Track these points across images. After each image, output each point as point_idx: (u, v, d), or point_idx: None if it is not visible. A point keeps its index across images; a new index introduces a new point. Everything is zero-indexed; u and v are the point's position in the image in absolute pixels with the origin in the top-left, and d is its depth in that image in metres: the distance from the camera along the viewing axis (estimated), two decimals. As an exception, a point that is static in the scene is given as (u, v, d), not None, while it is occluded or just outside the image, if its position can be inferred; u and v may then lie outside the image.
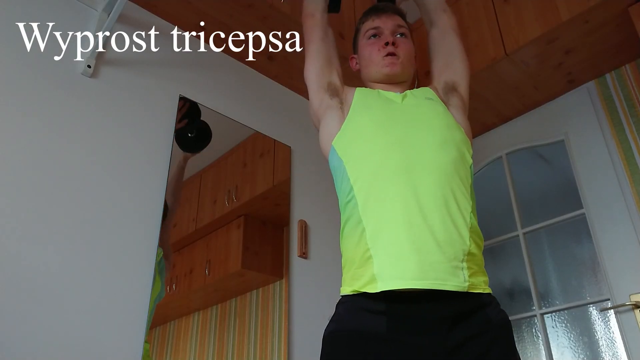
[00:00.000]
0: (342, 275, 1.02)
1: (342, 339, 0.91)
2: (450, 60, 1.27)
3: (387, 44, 1.20)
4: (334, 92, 1.19)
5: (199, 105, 1.89)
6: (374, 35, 1.25)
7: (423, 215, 0.94)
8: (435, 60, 1.30)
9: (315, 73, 1.21)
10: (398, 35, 1.24)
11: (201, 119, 1.87)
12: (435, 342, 0.87)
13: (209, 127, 1.88)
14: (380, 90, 1.20)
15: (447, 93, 1.22)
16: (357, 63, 1.33)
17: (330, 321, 0.96)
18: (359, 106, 1.13)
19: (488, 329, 0.90)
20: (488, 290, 0.96)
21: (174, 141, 1.76)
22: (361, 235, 0.97)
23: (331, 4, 1.44)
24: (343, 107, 1.16)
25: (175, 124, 1.77)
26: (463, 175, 1.03)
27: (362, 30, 1.29)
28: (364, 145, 1.05)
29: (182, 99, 1.84)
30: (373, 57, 1.22)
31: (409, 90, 1.21)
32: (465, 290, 0.90)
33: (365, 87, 1.28)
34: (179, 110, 1.81)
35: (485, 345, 0.88)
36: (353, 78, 1.76)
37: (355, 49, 1.35)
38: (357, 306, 0.93)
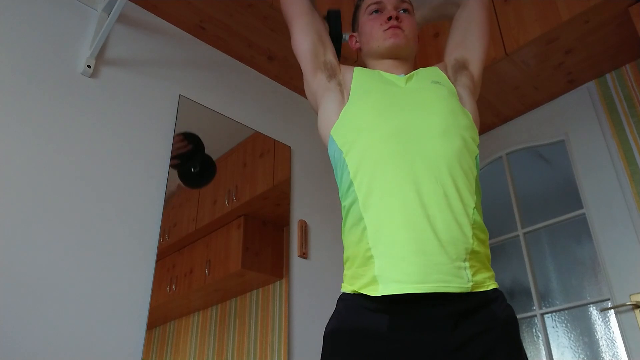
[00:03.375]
0: (343, 271, 1.00)
1: (343, 338, 0.89)
2: (465, 36, 1.19)
3: (390, 18, 1.14)
4: (331, 73, 1.12)
5: (199, 106, 1.89)
6: (376, 11, 1.19)
7: (425, 214, 0.91)
8: (451, 36, 1.22)
9: (309, 51, 1.13)
10: (401, 11, 1.18)
11: (206, 152, 1.82)
12: (439, 339, 0.85)
13: (213, 161, 1.82)
14: (381, 71, 1.14)
15: (456, 71, 1.15)
16: (356, 41, 1.26)
17: (331, 318, 0.94)
18: (358, 90, 1.08)
19: (494, 326, 0.88)
20: (494, 286, 0.93)
21: (177, 172, 1.75)
22: (362, 233, 0.94)
23: (332, 30, 1.30)
24: (342, 89, 1.10)
25: (170, 159, 1.71)
26: (467, 167, 0.98)
27: (363, 5, 1.22)
28: (364, 135, 1.00)
29: (184, 135, 1.78)
30: (375, 31, 1.15)
31: (414, 71, 1.14)
32: (469, 291, 0.88)
33: (366, 66, 1.22)
34: (180, 148, 1.75)
35: (491, 343, 0.86)
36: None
37: (354, 26, 1.28)
38: (357, 304, 0.91)
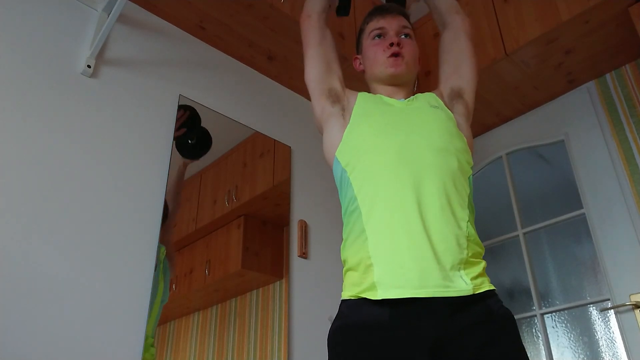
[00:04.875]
0: (343, 282, 1.03)
1: (347, 333, 0.93)
2: (458, 65, 1.25)
3: (391, 44, 1.19)
4: (335, 99, 1.18)
5: (199, 106, 1.89)
6: (379, 36, 1.24)
7: (423, 225, 0.95)
8: (443, 64, 1.29)
9: (315, 80, 1.21)
10: (403, 36, 1.23)
11: (202, 125, 1.86)
12: (438, 327, 0.88)
13: (209, 133, 1.87)
14: (382, 95, 1.20)
15: (452, 99, 1.21)
16: (360, 63, 1.32)
17: (335, 320, 0.98)
18: (360, 113, 1.13)
19: (491, 319, 0.91)
20: (491, 287, 0.97)
21: (174, 145, 1.76)
22: (363, 244, 0.98)
23: (340, 6, 1.42)
24: (344, 114, 1.16)
25: (175, 132, 1.77)
26: (460, 185, 1.04)
27: (367, 30, 1.28)
28: (367, 154, 1.06)
29: (182, 107, 1.83)
30: (378, 58, 1.21)
31: (414, 96, 1.20)
32: (471, 294, 0.91)
33: (369, 87, 1.28)
34: (179, 118, 1.80)
35: (489, 335, 0.88)
36: (355, 80, 1.76)
37: (359, 49, 1.34)
38: (359, 303, 0.95)
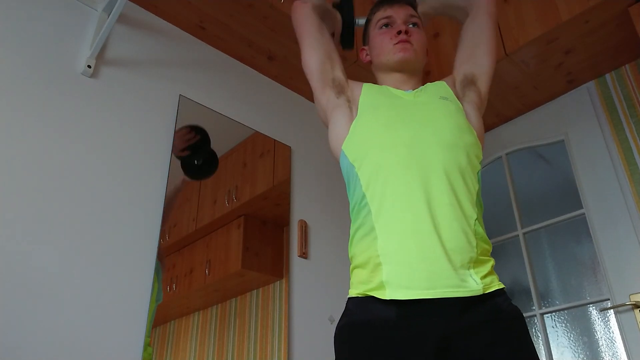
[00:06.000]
0: (350, 279, 1.02)
1: (354, 330, 0.92)
2: (475, 51, 1.20)
3: (399, 32, 1.16)
4: (340, 90, 1.15)
5: (199, 105, 1.89)
6: (386, 25, 1.21)
7: (433, 223, 0.94)
8: (460, 50, 1.24)
9: (317, 69, 1.16)
10: (410, 25, 1.20)
11: (211, 148, 1.85)
12: (446, 325, 0.87)
13: (216, 156, 1.85)
14: (389, 87, 1.17)
15: (464, 86, 1.17)
16: (367, 54, 1.28)
17: (341, 317, 0.97)
18: (367, 106, 1.10)
19: (499, 317, 0.90)
20: (501, 286, 0.96)
21: (177, 160, 1.74)
22: (372, 242, 0.97)
23: (343, 38, 1.36)
24: (351, 105, 1.13)
25: (179, 151, 1.75)
26: (470, 181, 1.02)
27: (374, 20, 1.25)
28: (374, 149, 1.03)
29: (194, 129, 1.81)
30: (385, 45, 1.18)
31: (422, 86, 1.17)
32: (481, 293, 0.90)
33: (376, 78, 1.24)
34: (188, 139, 1.79)
35: (497, 333, 0.88)
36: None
37: (365, 40, 1.30)
38: (366, 301, 0.94)
